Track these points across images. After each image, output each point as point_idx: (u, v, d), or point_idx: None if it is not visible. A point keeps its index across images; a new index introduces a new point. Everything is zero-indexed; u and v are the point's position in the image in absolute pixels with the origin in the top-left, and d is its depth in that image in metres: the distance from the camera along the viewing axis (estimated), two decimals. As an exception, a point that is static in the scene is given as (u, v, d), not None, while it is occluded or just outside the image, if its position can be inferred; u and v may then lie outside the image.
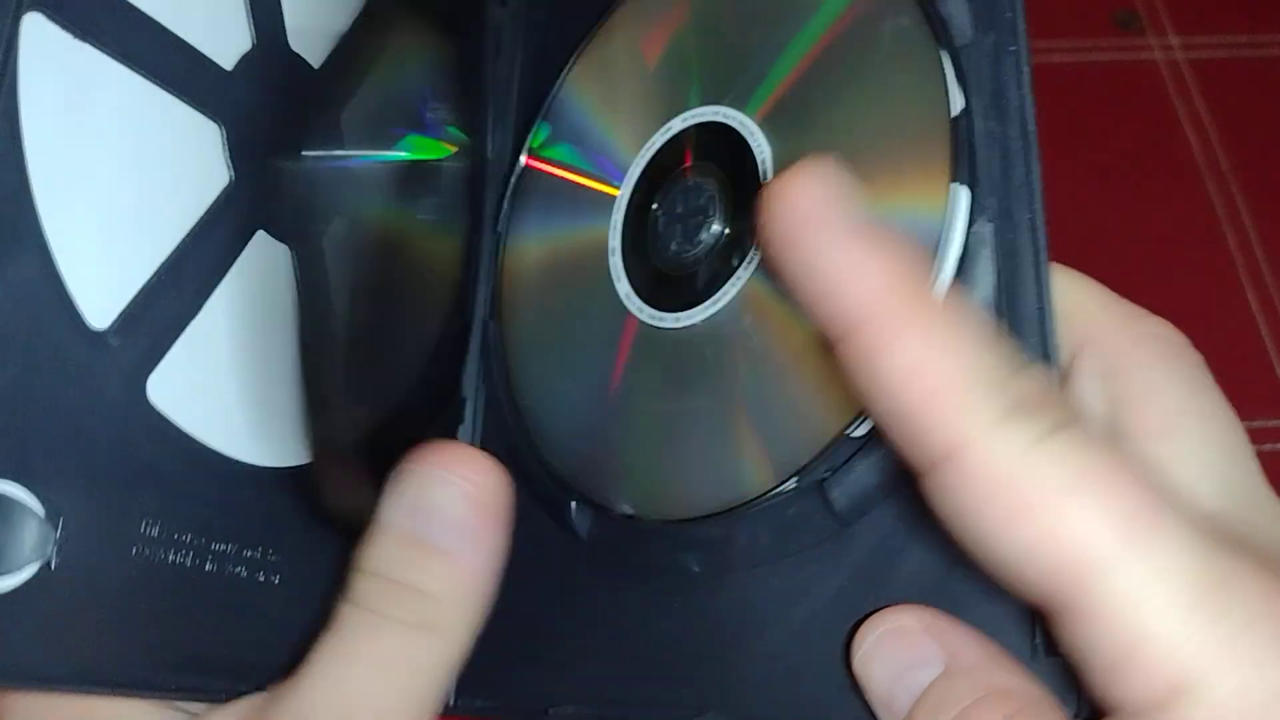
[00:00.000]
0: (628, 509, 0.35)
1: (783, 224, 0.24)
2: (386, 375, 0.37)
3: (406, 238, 0.38)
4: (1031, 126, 0.30)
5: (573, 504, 0.35)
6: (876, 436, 0.30)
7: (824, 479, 0.32)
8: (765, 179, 0.34)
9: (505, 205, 0.40)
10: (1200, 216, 0.54)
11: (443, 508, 0.29)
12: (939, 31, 0.31)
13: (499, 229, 0.40)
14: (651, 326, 0.37)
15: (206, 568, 0.30)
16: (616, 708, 0.34)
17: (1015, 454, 0.22)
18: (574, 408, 0.37)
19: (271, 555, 0.31)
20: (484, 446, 0.37)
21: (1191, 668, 0.20)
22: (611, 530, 0.35)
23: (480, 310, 0.39)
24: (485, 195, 0.40)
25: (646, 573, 0.35)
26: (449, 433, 0.38)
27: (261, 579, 0.31)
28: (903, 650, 0.27)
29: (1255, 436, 0.51)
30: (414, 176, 0.38)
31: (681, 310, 0.36)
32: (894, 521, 0.31)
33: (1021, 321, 0.29)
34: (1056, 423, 0.22)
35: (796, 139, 0.35)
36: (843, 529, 0.32)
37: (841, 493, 0.32)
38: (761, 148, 0.35)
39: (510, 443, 0.37)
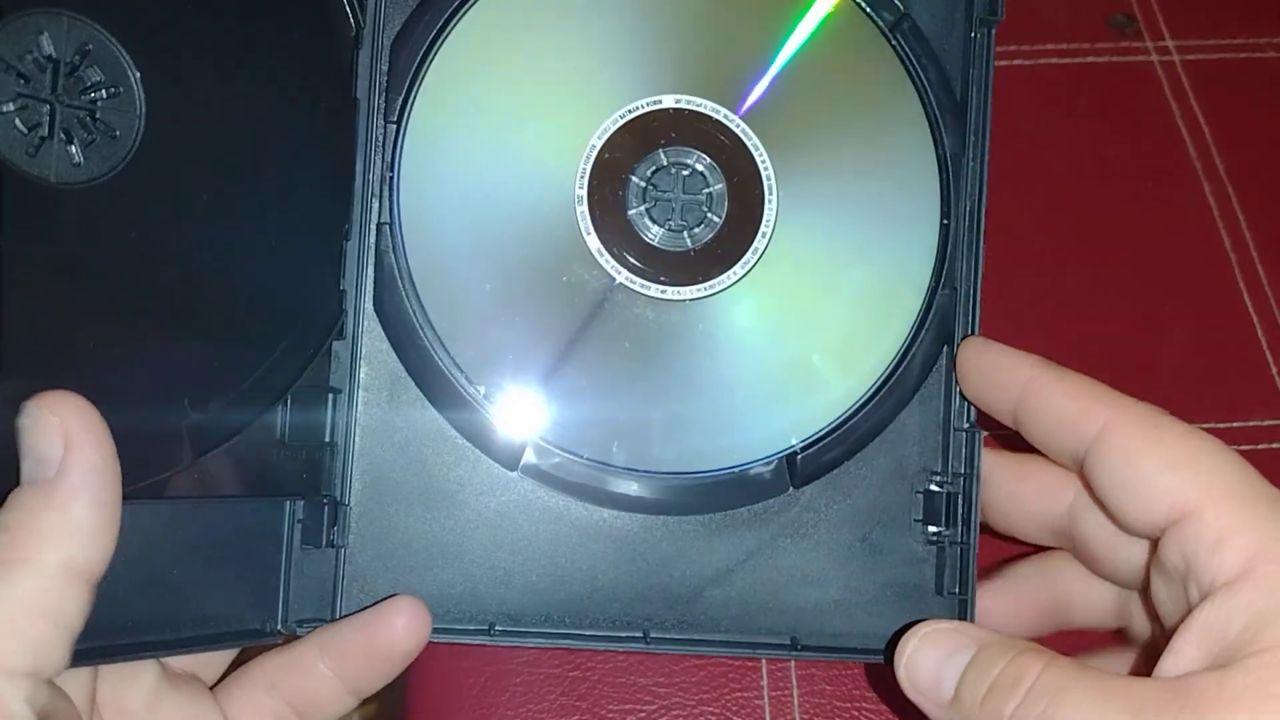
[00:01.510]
0: (604, 453, 0.38)
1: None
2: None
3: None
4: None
5: (530, 445, 0.38)
6: (848, 423, 0.39)
7: (798, 453, 0.39)
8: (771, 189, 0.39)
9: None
10: (1196, 218, 0.54)
11: (34, 447, 0.29)
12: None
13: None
14: (636, 292, 0.39)
15: None
16: (565, 627, 0.38)
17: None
18: (532, 356, 0.38)
19: None
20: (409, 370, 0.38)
21: (1259, 552, 0.30)
22: (576, 471, 0.38)
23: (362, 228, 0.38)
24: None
25: (600, 508, 0.38)
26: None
27: None
28: (943, 643, 0.34)
29: (1249, 436, 0.51)
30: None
31: (672, 285, 0.39)
32: (831, 489, 0.39)
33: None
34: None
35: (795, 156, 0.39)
36: (793, 490, 0.39)
37: (806, 462, 0.39)
38: (767, 164, 0.39)
39: (430, 371, 0.38)
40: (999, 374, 0.38)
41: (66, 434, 0.29)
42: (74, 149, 0.31)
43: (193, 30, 0.33)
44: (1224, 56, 0.57)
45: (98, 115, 0.31)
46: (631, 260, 0.38)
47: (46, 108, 0.30)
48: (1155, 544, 0.34)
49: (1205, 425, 0.51)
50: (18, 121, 0.30)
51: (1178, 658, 0.31)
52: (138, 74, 0.32)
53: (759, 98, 0.39)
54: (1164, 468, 0.33)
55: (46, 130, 0.30)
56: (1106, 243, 0.54)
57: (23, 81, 0.30)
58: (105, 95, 0.31)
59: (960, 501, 0.39)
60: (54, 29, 0.30)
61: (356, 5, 0.37)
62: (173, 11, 0.33)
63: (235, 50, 0.34)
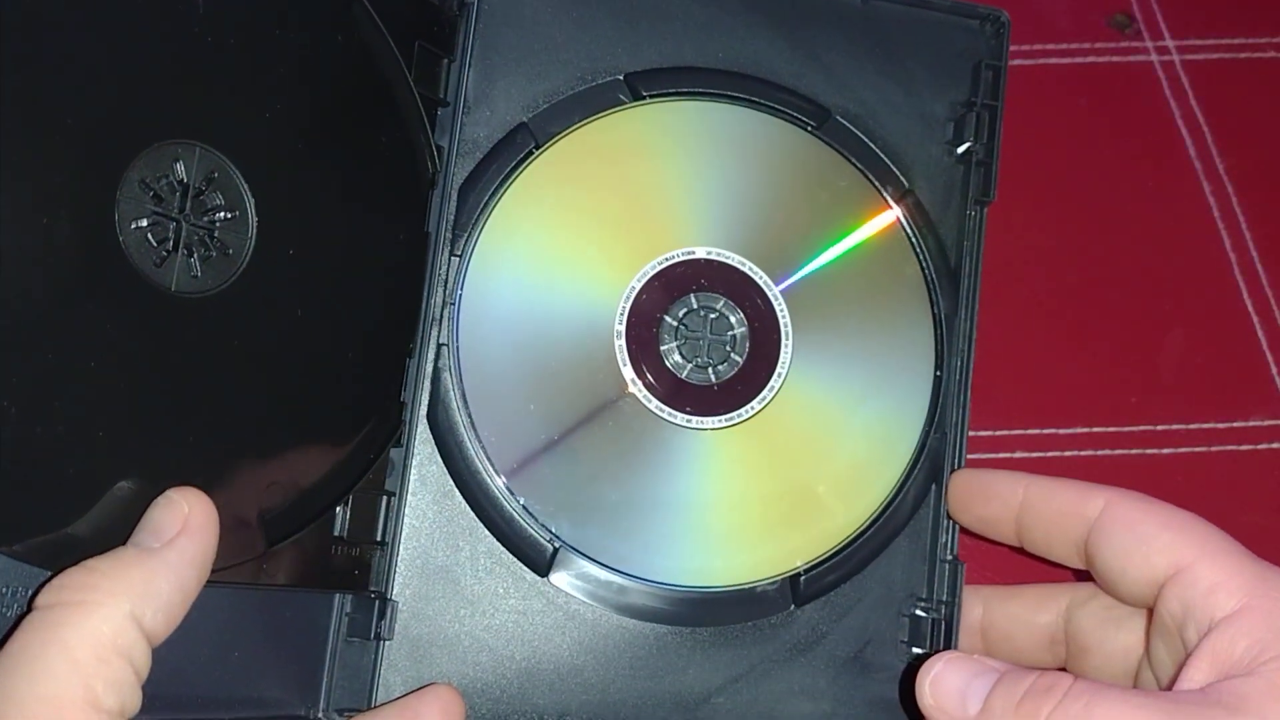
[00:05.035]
0: (626, 564, 0.41)
1: None
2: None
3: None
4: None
5: (560, 552, 0.41)
6: (846, 549, 0.42)
7: (801, 574, 0.42)
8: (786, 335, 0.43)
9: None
10: (1196, 218, 0.55)
11: (154, 521, 0.32)
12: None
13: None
14: (664, 419, 0.42)
15: None
16: None
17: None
18: (567, 472, 0.41)
19: None
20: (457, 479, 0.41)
21: (1251, 592, 0.35)
22: (600, 580, 0.41)
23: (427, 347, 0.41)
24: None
25: (618, 615, 0.41)
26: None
27: None
28: (970, 664, 0.36)
29: (1249, 436, 0.51)
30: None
31: (696, 415, 0.42)
32: (828, 609, 0.42)
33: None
34: None
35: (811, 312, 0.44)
36: (795, 609, 0.42)
37: (808, 583, 0.42)
38: (784, 310, 0.43)
39: (480, 489, 0.41)
40: (997, 487, 0.42)
41: (187, 520, 0.32)
42: (194, 263, 0.34)
43: (301, 165, 0.37)
44: (1224, 56, 0.57)
45: (216, 234, 0.35)
46: (661, 391, 0.42)
47: (174, 225, 0.34)
48: (1150, 613, 0.39)
49: (1205, 425, 0.51)
50: (149, 236, 0.33)
51: (1193, 676, 0.34)
52: (253, 200, 0.35)
53: (795, 274, 0.44)
54: (1161, 529, 0.38)
55: (172, 245, 0.34)
56: (1106, 242, 0.54)
57: (157, 201, 0.33)
58: (224, 217, 0.35)
59: (943, 627, 0.43)
60: (187, 157, 0.34)
61: (435, 151, 0.41)
62: (287, 148, 0.37)
63: (336, 184, 0.38)
